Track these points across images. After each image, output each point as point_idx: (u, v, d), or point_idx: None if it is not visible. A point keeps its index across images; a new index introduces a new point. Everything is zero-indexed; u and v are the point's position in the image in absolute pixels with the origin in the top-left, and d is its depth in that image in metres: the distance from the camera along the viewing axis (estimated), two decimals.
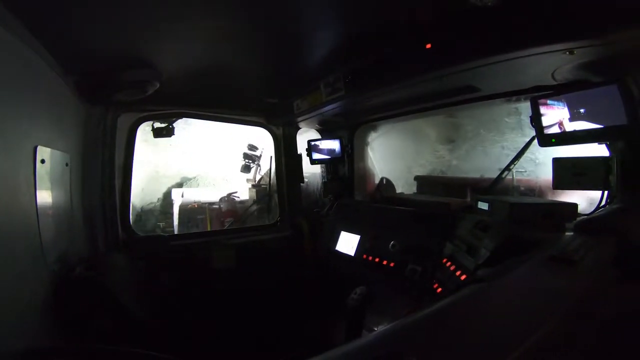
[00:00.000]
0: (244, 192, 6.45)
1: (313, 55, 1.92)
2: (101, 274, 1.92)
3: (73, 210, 1.90)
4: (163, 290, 2.47)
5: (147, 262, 2.45)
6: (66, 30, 1.42)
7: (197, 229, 6.16)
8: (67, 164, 1.81)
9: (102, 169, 2.32)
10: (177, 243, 2.72)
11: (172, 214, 6.53)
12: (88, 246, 2.14)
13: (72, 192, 1.89)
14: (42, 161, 1.49)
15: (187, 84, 2.21)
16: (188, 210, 6.42)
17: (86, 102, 2.09)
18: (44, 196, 1.52)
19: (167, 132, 2.77)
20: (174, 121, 2.76)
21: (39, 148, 1.46)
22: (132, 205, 2.57)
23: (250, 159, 6.18)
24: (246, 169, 6.20)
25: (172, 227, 6.33)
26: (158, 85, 2.00)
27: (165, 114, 2.69)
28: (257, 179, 6.13)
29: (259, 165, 6.22)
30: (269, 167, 4.69)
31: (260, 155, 6.18)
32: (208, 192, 6.80)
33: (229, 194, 6.44)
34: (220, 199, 6.38)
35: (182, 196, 6.61)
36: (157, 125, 2.76)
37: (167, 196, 6.78)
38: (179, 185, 7.23)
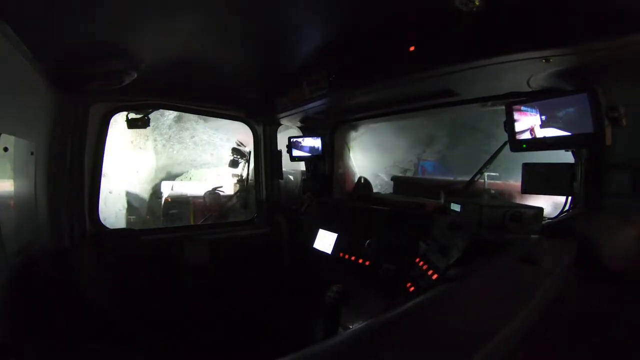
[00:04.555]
0: (230, 187, 6.51)
1: (297, 52, 1.91)
2: (66, 268, 1.84)
3: (37, 200, 1.81)
4: (132, 286, 2.39)
5: (116, 257, 2.36)
6: (38, 15, 1.34)
7: (180, 222, 6.24)
8: (32, 153, 1.72)
9: (71, 160, 2.21)
10: (148, 237, 2.63)
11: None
12: (53, 239, 2.04)
13: (37, 182, 1.80)
14: (5, 149, 1.42)
15: (165, 75, 2.14)
16: (172, 203, 6.48)
17: (56, 90, 1.99)
18: (6, 185, 1.45)
19: (142, 123, 2.67)
20: (150, 112, 2.67)
21: (3, 136, 1.39)
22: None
23: (239, 154, 6.19)
24: (234, 164, 6.19)
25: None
26: (135, 76, 1.93)
27: (142, 104, 2.59)
28: (245, 174, 6.20)
29: (247, 161, 6.23)
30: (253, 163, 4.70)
31: (250, 151, 6.22)
32: (198, 186, 6.82)
33: (214, 188, 6.41)
34: (205, 193, 6.36)
35: (172, 189, 6.76)
36: (132, 116, 2.66)
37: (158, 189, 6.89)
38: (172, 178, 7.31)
